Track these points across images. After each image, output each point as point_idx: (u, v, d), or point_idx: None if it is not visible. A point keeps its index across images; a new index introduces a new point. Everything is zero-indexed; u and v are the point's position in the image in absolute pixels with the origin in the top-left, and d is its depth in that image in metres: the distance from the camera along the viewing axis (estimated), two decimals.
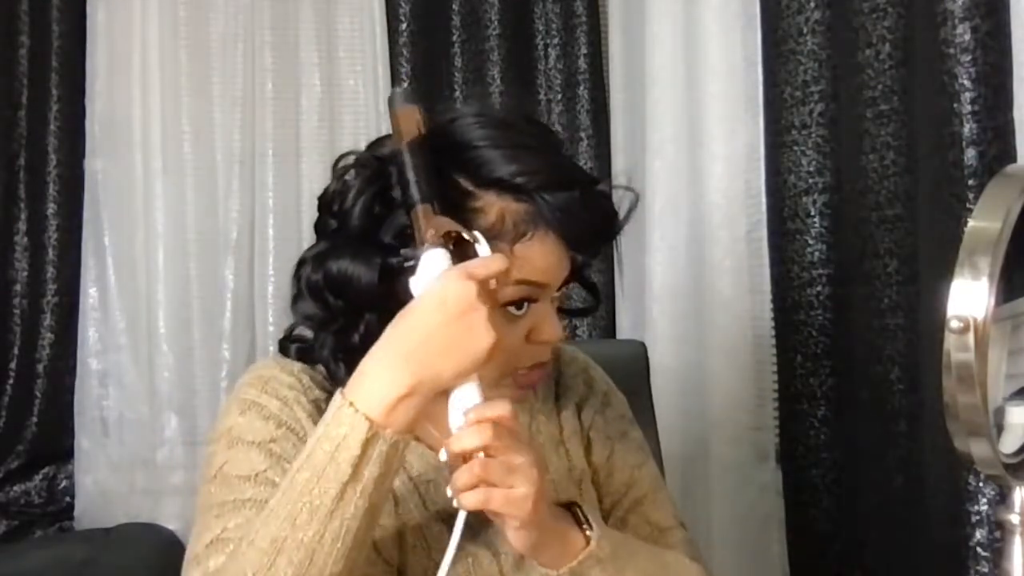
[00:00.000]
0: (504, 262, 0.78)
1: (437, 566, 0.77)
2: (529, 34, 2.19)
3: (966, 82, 1.19)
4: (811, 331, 1.62)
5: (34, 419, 2.11)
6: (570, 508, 0.89)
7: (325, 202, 0.91)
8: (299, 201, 2.15)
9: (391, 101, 0.88)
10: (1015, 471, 0.72)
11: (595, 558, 0.85)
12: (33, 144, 2.10)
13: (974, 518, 1.21)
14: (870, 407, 1.49)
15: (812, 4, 1.56)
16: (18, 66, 2.10)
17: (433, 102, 0.88)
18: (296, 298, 0.90)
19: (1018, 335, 0.73)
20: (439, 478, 0.91)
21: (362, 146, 0.94)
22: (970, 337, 0.65)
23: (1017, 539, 0.72)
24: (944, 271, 0.68)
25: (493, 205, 0.85)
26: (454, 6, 2.15)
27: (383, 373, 0.77)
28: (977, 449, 0.68)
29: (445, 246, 0.79)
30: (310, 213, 0.97)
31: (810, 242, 1.61)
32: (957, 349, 0.65)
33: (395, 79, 2.10)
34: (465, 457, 0.77)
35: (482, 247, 0.80)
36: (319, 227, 0.92)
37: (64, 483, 2.14)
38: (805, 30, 1.57)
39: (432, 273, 0.78)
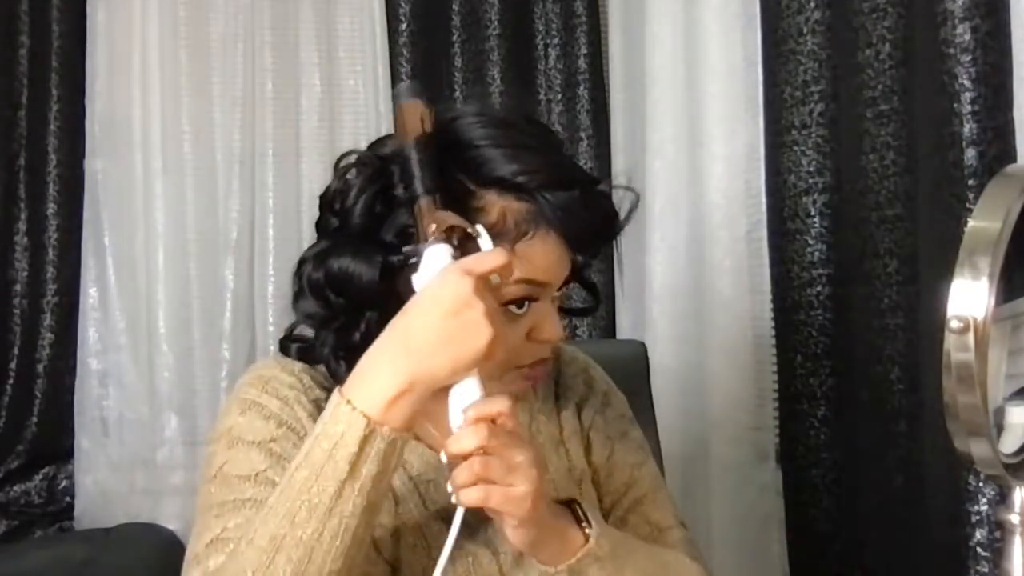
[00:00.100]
0: (504, 256, 0.78)
1: (436, 565, 0.77)
2: (529, 34, 2.19)
3: (966, 82, 1.19)
4: (811, 331, 1.61)
5: (34, 419, 2.11)
6: (570, 506, 0.89)
7: (326, 201, 0.91)
8: (299, 201, 2.15)
9: (396, 95, 0.88)
10: (1015, 471, 0.72)
11: (594, 556, 0.86)
12: (33, 144, 2.10)
13: (974, 518, 1.21)
14: (870, 407, 1.49)
15: (812, 4, 1.56)
16: (18, 66, 2.10)
17: (433, 102, 0.88)
18: (297, 296, 0.90)
19: (1018, 335, 0.73)
20: (439, 477, 0.91)
21: (362, 146, 0.94)
22: (970, 337, 0.65)
23: (1017, 539, 0.72)
24: (944, 271, 0.68)
25: (494, 204, 0.85)
26: (454, 6, 2.15)
27: (380, 371, 0.77)
28: (977, 449, 0.68)
29: (449, 241, 0.79)
30: (310, 213, 0.97)
31: (810, 242, 1.61)
32: (957, 349, 0.65)
33: (395, 79, 2.10)
34: (465, 456, 0.77)
35: (484, 241, 0.80)
36: (320, 226, 0.92)
37: (64, 483, 2.14)
38: (805, 30, 1.57)
39: (434, 269, 0.78)
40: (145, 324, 2.11)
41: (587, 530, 0.87)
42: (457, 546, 0.77)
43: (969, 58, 1.18)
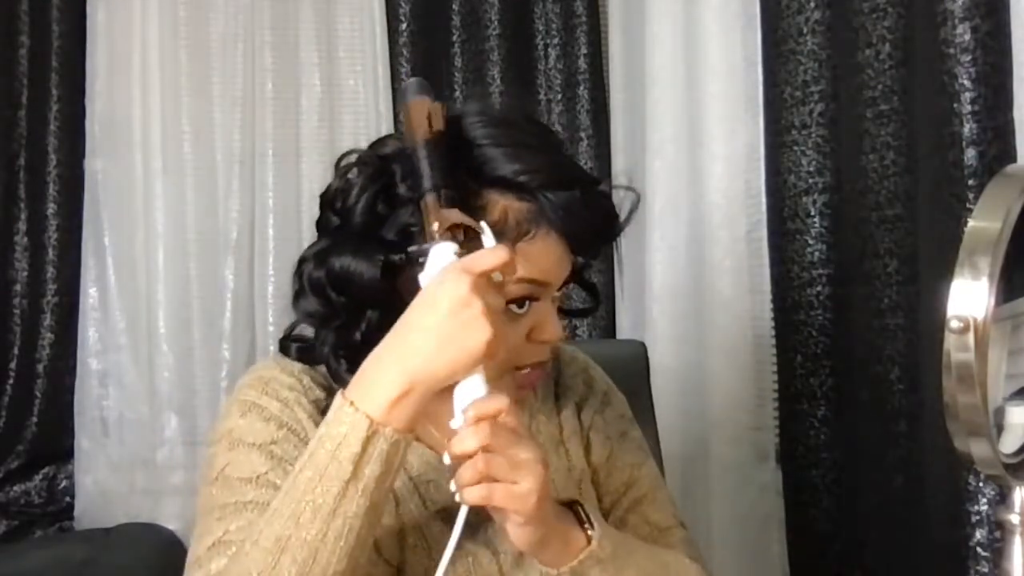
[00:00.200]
0: (506, 253, 0.77)
1: (437, 565, 0.77)
2: (529, 34, 2.19)
3: (966, 82, 1.19)
4: (811, 331, 1.62)
5: (34, 419, 2.11)
6: (571, 507, 0.89)
7: (327, 199, 0.91)
8: (299, 201, 2.15)
9: (404, 91, 0.88)
10: (1015, 471, 0.72)
11: (595, 558, 0.85)
12: (33, 144, 2.10)
13: (974, 518, 1.21)
14: (870, 407, 1.49)
15: (812, 4, 1.56)
16: (18, 66, 2.10)
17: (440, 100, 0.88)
18: (297, 295, 0.90)
19: (1018, 335, 0.73)
20: (439, 478, 0.91)
21: (363, 146, 0.94)
22: (970, 337, 0.65)
23: (1017, 539, 0.72)
24: (944, 271, 0.68)
25: (496, 203, 0.85)
26: (454, 6, 2.15)
27: (382, 372, 0.77)
28: (977, 449, 0.68)
29: (455, 239, 0.79)
30: (310, 213, 0.97)
31: (810, 242, 1.61)
32: (957, 349, 0.65)
33: (395, 79, 2.10)
34: (468, 456, 0.76)
35: (487, 238, 0.80)
36: (321, 224, 0.92)
37: (64, 483, 2.14)
38: (805, 30, 1.57)
39: (438, 268, 0.78)
40: (145, 324, 2.11)
41: (589, 532, 0.87)
42: (457, 546, 0.77)
43: (969, 58, 1.18)
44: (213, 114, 2.14)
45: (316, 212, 0.93)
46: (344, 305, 0.87)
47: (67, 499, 2.13)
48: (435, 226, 0.79)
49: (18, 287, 2.12)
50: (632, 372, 1.40)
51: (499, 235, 0.82)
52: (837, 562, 1.61)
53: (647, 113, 1.95)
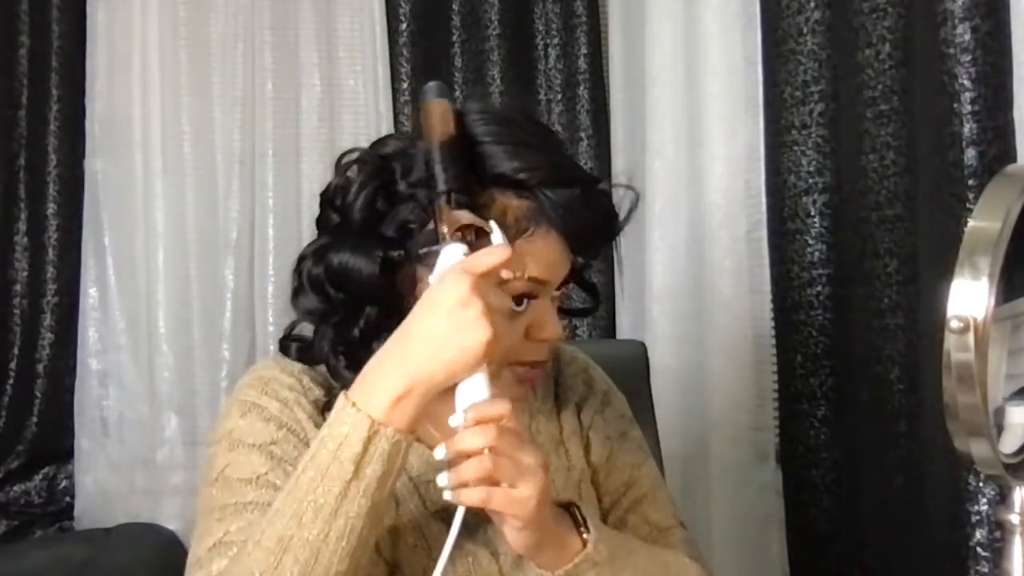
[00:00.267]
0: (504, 251, 0.77)
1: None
2: (529, 34, 2.19)
3: (966, 82, 1.19)
4: (811, 331, 1.61)
5: (34, 419, 2.11)
6: (568, 509, 0.89)
7: (327, 197, 0.91)
8: (299, 201, 2.15)
9: (424, 93, 0.88)
10: (1015, 471, 0.72)
11: (591, 561, 0.85)
12: (33, 144, 2.10)
13: (974, 518, 1.21)
14: (870, 407, 1.49)
15: (812, 4, 1.56)
16: (18, 66, 2.10)
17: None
18: (297, 292, 0.90)
19: (1018, 335, 0.73)
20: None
21: (363, 146, 0.94)
22: (970, 337, 0.65)
23: (1017, 539, 0.72)
24: (944, 271, 0.68)
25: (496, 201, 0.85)
26: (454, 6, 2.15)
27: (383, 374, 0.77)
28: (977, 449, 0.68)
29: (464, 240, 0.79)
30: (310, 213, 0.97)
31: (810, 242, 1.61)
32: (957, 349, 0.65)
33: (395, 79, 2.11)
34: (470, 454, 0.76)
35: (496, 236, 0.80)
36: (321, 222, 0.92)
37: (64, 483, 2.14)
38: (805, 30, 1.57)
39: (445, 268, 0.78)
40: (145, 324, 2.11)
41: (585, 535, 0.87)
42: (457, 546, 0.77)
43: (969, 58, 1.18)
44: (213, 114, 2.14)
45: (316, 211, 0.93)
46: (343, 301, 0.87)
47: (67, 499, 2.13)
48: (445, 228, 0.79)
49: (18, 287, 2.12)
50: (632, 372, 1.40)
51: None
52: (837, 562, 1.61)
53: (647, 113, 1.95)
